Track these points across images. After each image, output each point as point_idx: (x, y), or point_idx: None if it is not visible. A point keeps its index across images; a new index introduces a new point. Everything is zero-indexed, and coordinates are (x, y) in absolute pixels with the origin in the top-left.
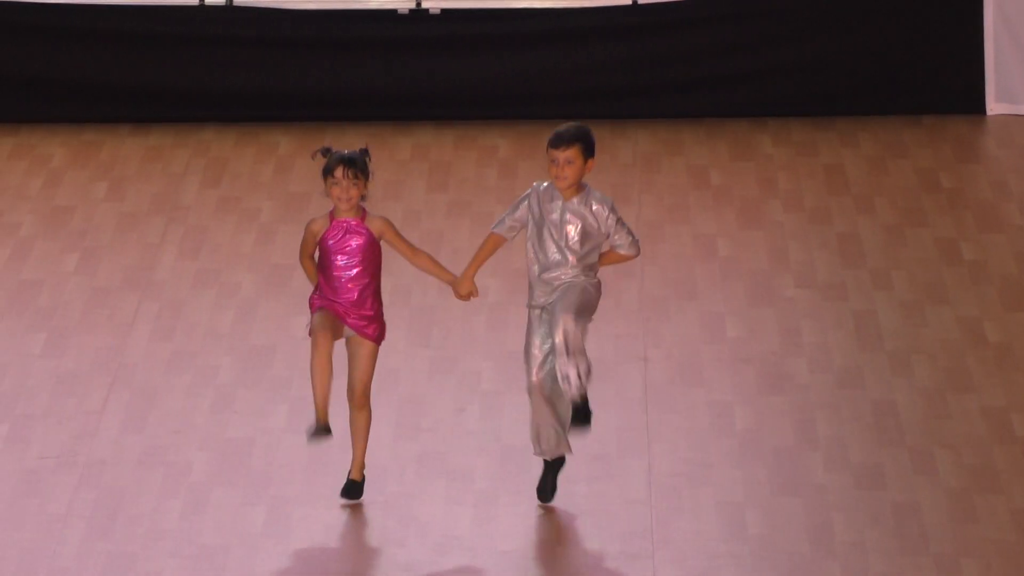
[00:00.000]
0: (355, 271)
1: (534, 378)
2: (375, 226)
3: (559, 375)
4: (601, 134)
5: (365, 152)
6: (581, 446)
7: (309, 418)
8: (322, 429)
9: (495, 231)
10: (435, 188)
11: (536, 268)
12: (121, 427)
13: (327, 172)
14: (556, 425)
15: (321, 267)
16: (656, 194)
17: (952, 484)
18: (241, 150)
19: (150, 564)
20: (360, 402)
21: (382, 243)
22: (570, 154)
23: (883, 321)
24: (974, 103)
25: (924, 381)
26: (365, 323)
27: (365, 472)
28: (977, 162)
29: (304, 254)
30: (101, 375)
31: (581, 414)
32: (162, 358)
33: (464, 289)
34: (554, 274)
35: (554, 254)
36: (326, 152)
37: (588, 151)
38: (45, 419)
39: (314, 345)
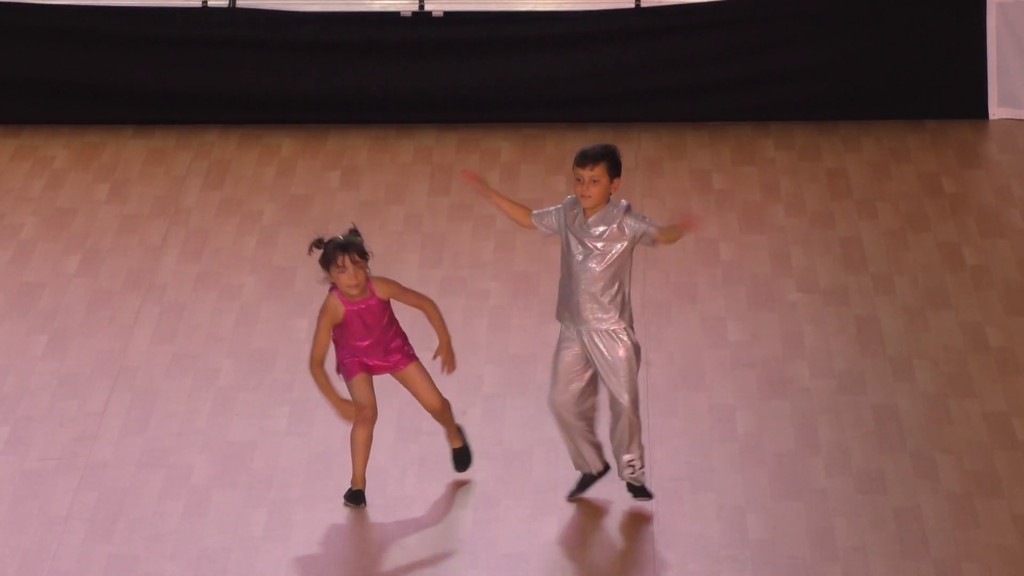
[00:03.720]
0: (374, 334)
1: (556, 396)
2: (382, 291)
3: (618, 462)
4: (604, 138)
5: (356, 232)
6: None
7: (310, 422)
8: (357, 495)
9: (532, 213)
10: (437, 191)
11: (568, 288)
12: (122, 429)
13: (330, 261)
14: (580, 440)
15: (345, 337)
16: (659, 198)
17: (953, 489)
18: (244, 152)
19: (151, 566)
20: (440, 409)
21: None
22: (596, 173)
23: (885, 326)
24: (977, 108)
25: (926, 386)
26: (398, 357)
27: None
28: (980, 167)
29: (316, 361)
30: (102, 377)
31: (638, 491)
32: (163, 360)
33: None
34: (588, 306)
35: (580, 274)
36: (320, 243)
37: (614, 170)
38: (46, 421)
39: (359, 421)
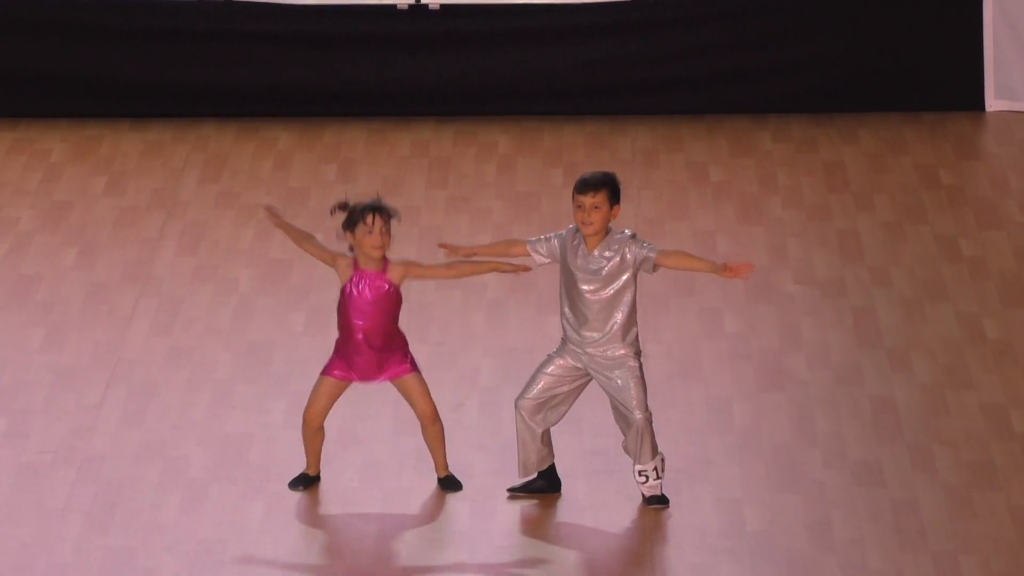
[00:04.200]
0: (373, 322)
1: (526, 401)
2: (397, 275)
3: (636, 473)
4: (600, 130)
5: (381, 199)
6: (579, 442)
7: None
8: (307, 478)
9: (526, 241)
10: (434, 184)
11: (570, 321)
12: (119, 422)
13: (357, 220)
14: (533, 443)
15: (340, 313)
16: (655, 190)
17: (951, 481)
18: (241, 146)
19: (148, 559)
20: (431, 418)
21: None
22: (597, 200)
23: (882, 318)
24: (974, 100)
25: (923, 378)
26: (398, 361)
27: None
28: (977, 159)
29: (309, 242)
30: (100, 370)
31: (658, 500)
32: (161, 353)
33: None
34: (594, 336)
35: (582, 305)
36: (344, 206)
37: (614, 197)
38: (44, 414)
39: (307, 422)
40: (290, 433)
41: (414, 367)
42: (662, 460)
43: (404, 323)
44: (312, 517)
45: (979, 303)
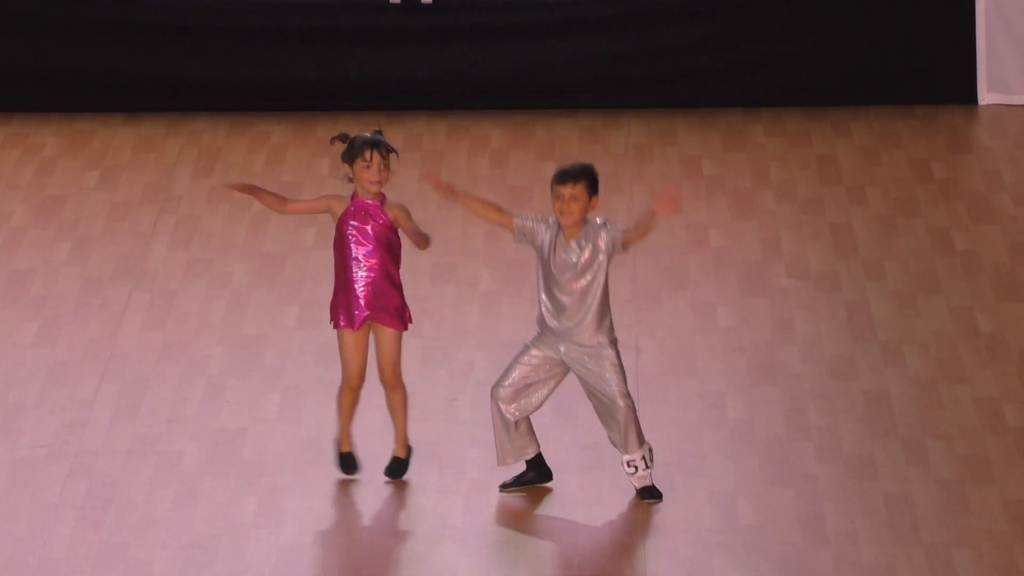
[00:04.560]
0: (372, 255)
1: (502, 391)
2: (392, 213)
3: (624, 464)
4: (593, 124)
5: (381, 133)
6: (572, 436)
7: (301, 408)
8: (346, 459)
9: (515, 215)
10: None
11: (548, 308)
12: (113, 417)
13: (356, 155)
14: (506, 431)
15: (338, 251)
16: (648, 184)
17: (944, 474)
18: (233, 140)
19: (141, 554)
20: (391, 383)
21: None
22: (576, 191)
23: (876, 311)
24: (967, 93)
25: (916, 371)
26: (385, 311)
27: (411, 448)
28: (970, 152)
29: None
30: (93, 365)
31: (646, 492)
32: (154, 348)
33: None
34: (569, 324)
35: (559, 293)
36: (345, 137)
37: (593, 188)
38: (37, 409)
39: (344, 384)
40: (284, 427)
41: (403, 326)
42: (650, 450)
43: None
44: (305, 512)
45: (972, 297)
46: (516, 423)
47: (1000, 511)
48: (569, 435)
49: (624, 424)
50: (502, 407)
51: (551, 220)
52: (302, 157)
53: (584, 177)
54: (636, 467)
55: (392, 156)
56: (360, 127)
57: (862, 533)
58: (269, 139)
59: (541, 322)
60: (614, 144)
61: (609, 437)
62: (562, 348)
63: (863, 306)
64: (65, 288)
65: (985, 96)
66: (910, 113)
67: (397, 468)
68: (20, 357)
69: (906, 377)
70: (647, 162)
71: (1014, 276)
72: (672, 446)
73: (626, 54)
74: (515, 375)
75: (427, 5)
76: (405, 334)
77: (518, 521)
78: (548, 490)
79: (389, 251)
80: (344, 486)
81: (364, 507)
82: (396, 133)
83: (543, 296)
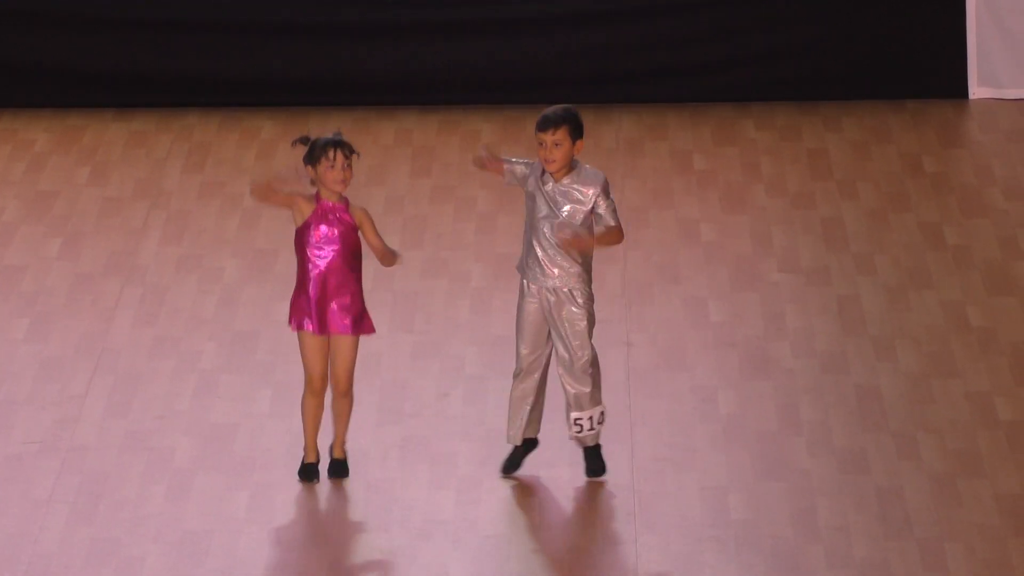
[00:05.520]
0: (334, 259)
1: (525, 350)
2: (356, 216)
3: (571, 423)
4: (585, 119)
5: (341, 134)
6: (564, 430)
7: (292, 403)
8: (309, 470)
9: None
10: (419, 173)
11: (531, 243)
12: (104, 412)
13: (318, 156)
14: (534, 406)
15: (299, 251)
16: (640, 178)
17: (936, 468)
18: (224, 135)
19: (133, 549)
20: (343, 389)
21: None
22: (558, 136)
23: (867, 306)
24: (957, 87)
25: (908, 366)
26: (345, 315)
27: (347, 452)
28: (961, 146)
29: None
30: (84, 360)
31: (595, 463)
32: (145, 343)
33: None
34: (548, 263)
35: (547, 230)
36: (305, 140)
37: (576, 132)
38: (28, 404)
39: (307, 389)
40: (276, 423)
41: (359, 332)
42: (602, 413)
43: (388, 312)
44: (297, 507)
45: (964, 291)
46: (533, 401)
47: (992, 505)
48: (563, 429)
49: (584, 376)
50: (532, 371)
51: (536, 163)
52: (293, 153)
53: (566, 122)
54: (582, 426)
55: (354, 157)
56: (351, 122)
57: (854, 527)
58: (260, 134)
59: (521, 263)
60: (605, 139)
61: (565, 390)
62: (541, 295)
63: (854, 300)
64: (57, 284)
65: (976, 90)
66: (901, 107)
67: (340, 468)
68: (11, 353)
69: (898, 371)
70: (638, 156)
71: (1005, 270)
72: (663, 440)
73: (617, 48)
74: (527, 336)
75: (417, 0)
76: (397, 328)
77: (510, 516)
78: (539, 485)
79: (351, 254)
80: (336, 481)
81: (355, 502)
82: (387, 128)
83: (532, 241)
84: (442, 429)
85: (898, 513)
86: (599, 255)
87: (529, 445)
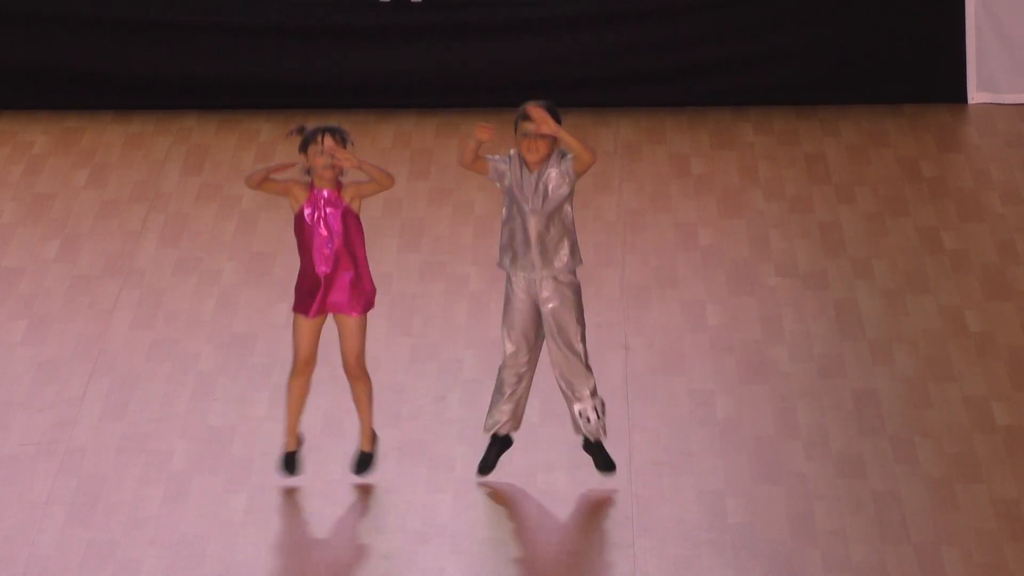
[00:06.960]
0: (332, 242)
1: (512, 346)
2: (349, 194)
3: (575, 416)
4: (583, 122)
5: (339, 127)
6: (561, 434)
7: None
8: (289, 460)
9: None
10: (417, 175)
11: (515, 235)
12: (102, 414)
13: (309, 141)
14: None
15: (298, 237)
16: (637, 182)
17: (933, 473)
18: (223, 137)
19: (130, 551)
20: (355, 372)
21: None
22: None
23: (864, 310)
24: (956, 92)
25: (905, 370)
26: (348, 296)
27: (377, 445)
28: (959, 151)
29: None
30: (82, 363)
31: (606, 458)
32: (143, 346)
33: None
34: (535, 253)
35: (527, 225)
36: (302, 129)
37: (556, 123)
38: (26, 406)
39: (293, 369)
40: (273, 425)
41: (363, 311)
42: (602, 403)
43: (386, 315)
44: (294, 510)
45: (961, 295)
46: (519, 396)
47: (989, 509)
48: (560, 434)
49: (580, 369)
50: (518, 367)
51: (511, 154)
52: (291, 154)
53: (551, 114)
54: (588, 417)
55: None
56: (350, 124)
57: (851, 531)
58: (258, 137)
59: (503, 258)
60: (603, 142)
61: (560, 383)
62: (528, 278)
63: (852, 304)
64: (54, 286)
65: (974, 95)
66: (899, 112)
67: (364, 463)
68: (9, 355)
69: (895, 375)
70: (636, 160)
71: (1003, 274)
72: (661, 444)
73: (615, 52)
74: (516, 330)
75: (416, 3)
76: (395, 331)
77: (507, 519)
78: (537, 488)
79: (351, 236)
80: (333, 484)
81: (353, 505)
82: (386, 131)
83: (515, 234)
84: (440, 432)
85: (895, 517)
86: (596, 259)
87: (503, 443)
